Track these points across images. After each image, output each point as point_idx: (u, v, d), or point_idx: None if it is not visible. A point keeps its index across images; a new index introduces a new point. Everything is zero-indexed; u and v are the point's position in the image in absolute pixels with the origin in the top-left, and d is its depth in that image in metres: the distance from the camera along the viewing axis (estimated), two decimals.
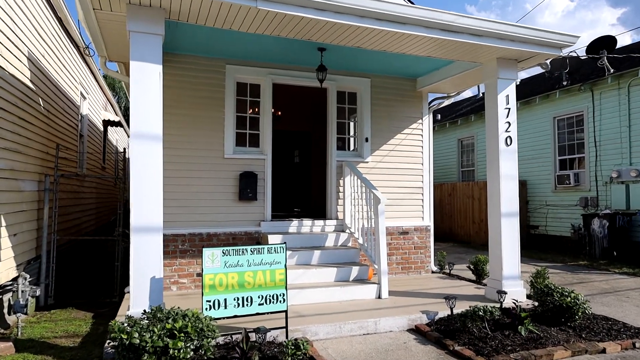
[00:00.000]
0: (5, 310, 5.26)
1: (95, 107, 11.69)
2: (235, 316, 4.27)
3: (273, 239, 6.49)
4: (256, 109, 7.11)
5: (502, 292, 5.36)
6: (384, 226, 6.00)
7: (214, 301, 4.19)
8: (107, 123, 13.26)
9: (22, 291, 5.19)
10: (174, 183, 6.39)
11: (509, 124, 5.99)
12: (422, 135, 7.96)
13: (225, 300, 4.24)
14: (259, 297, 4.37)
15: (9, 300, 5.28)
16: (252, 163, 6.86)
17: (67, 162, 8.32)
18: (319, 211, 8.55)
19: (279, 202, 11.21)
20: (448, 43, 5.40)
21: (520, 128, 13.21)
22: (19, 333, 4.96)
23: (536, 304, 5.51)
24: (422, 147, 7.95)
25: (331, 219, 7.34)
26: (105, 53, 5.89)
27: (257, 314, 4.36)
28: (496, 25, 5.32)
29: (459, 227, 14.37)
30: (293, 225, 6.99)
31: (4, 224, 5.14)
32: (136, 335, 3.27)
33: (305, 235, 6.79)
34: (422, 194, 7.88)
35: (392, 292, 6.14)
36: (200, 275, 6.39)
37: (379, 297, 5.89)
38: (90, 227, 10.63)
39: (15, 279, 5.34)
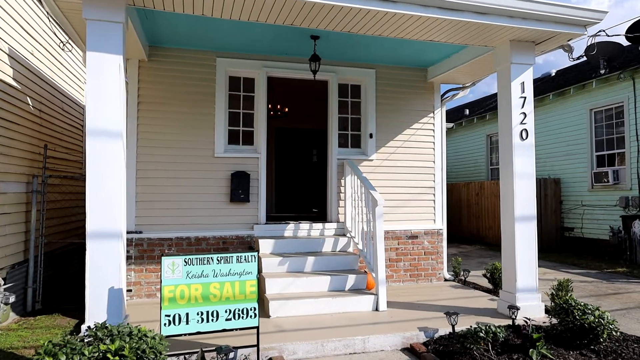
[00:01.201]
0: None
1: None
2: (199, 332, 3.83)
3: (265, 243, 6.03)
4: (250, 105, 6.66)
5: (513, 307, 4.67)
6: (382, 230, 5.41)
7: (174, 316, 3.76)
8: None
9: None
10: (160, 184, 6.05)
11: (525, 115, 5.26)
12: (433, 131, 7.28)
13: (187, 314, 3.80)
14: (226, 311, 3.91)
15: None
16: (244, 162, 6.42)
17: (69, 163, 8.16)
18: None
19: (295, 203, 10.75)
20: (450, 24, 4.76)
21: (553, 122, 12.22)
22: None
23: (555, 321, 4.79)
24: (433, 143, 7.26)
25: (331, 222, 6.80)
26: (84, 47, 5.60)
27: (224, 330, 3.90)
28: (505, 1, 4.62)
29: (487, 228, 13.47)
30: (289, 228, 6.50)
31: None
32: (63, 358, 2.87)
33: (301, 240, 6.28)
34: (434, 195, 7.20)
35: (393, 304, 5.55)
36: None
37: (376, 309, 5.30)
38: None
39: None
